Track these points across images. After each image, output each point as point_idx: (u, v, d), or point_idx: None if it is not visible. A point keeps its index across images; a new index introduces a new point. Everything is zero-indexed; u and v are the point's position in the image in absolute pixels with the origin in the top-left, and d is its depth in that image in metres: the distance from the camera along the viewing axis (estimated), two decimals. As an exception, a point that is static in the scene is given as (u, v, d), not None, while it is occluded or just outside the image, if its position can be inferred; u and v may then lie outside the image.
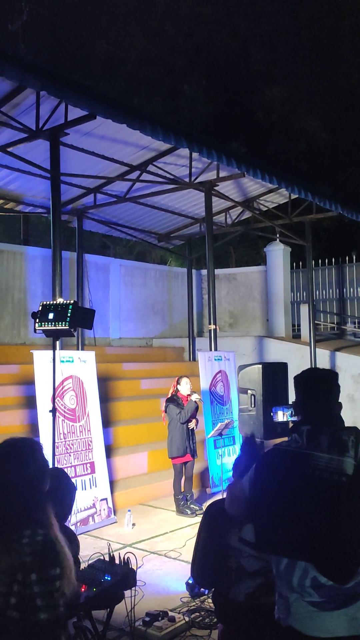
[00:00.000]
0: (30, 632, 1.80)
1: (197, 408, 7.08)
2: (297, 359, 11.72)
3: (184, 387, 7.01)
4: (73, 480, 6.19)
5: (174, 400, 6.97)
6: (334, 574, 2.00)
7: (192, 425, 6.99)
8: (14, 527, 1.86)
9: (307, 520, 2.00)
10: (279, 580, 2.13)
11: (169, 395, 7.06)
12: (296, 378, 2.40)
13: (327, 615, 2.02)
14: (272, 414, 2.78)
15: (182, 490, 6.94)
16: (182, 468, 6.94)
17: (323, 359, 11.58)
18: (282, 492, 2.07)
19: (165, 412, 7.01)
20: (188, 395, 6.99)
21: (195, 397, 6.95)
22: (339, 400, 2.35)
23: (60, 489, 2.92)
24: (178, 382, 7.08)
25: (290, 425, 2.55)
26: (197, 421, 7.12)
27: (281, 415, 2.88)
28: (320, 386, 2.27)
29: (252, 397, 5.66)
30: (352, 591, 2.03)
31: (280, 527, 2.06)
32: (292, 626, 2.06)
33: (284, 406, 2.86)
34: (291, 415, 2.83)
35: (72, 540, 2.83)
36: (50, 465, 4.66)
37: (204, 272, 13.78)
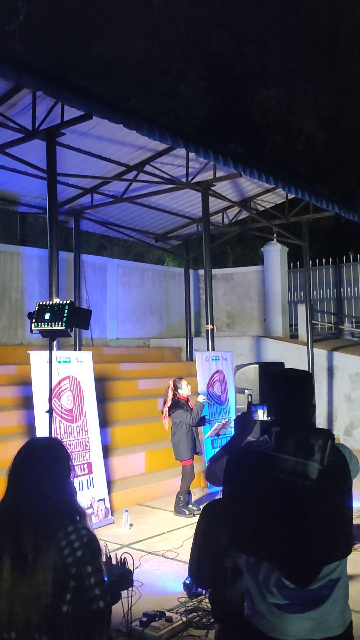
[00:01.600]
0: (92, 621, 1.88)
1: (203, 408, 7.12)
2: (294, 358, 11.73)
3: (185, 389, 6.99)
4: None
5: (179, 404, 6.90)
6: (296, 576, 2.01)
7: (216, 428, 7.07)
8: (57, 525, 1.92)
9: (271, 522, 2.01)
10: (247, 572, 2.14)
11: (170, 401, 6.98)
12: (271, 378, 2.40)
13: (291, 618, 2.02)
14: (252, 412, 2.78)
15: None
16: (193, 469, 6.92)
17: (320, 358, 11.60)
18: (248, 492, 2.08)
19: (170, 416, 6.92)
20: (189, 395, 6.99)
21: (201, 397, 7.00)
22: (313, 402, 2.34)
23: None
24: (176, 385, 7.02)
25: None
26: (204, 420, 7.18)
27: (261, 414, 2.88)
28: (293, 387, 2.26)
29: (249, 397, 5.65)
30: (317, 594, 2.03)
31: (247, 526, 2.07)
32: (257, 625, 2.07)
33: (264, 404, 2.85)
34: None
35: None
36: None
37: (202, 272, 13.80)
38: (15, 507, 1.95)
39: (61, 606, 1.84)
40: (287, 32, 19.97)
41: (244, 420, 2.62)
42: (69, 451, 2.16)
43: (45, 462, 2.01)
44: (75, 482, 6.17)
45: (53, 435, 5.67)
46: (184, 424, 6.81)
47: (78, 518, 1.99)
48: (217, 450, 7.70)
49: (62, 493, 2.01)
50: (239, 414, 2.76)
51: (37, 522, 1.91)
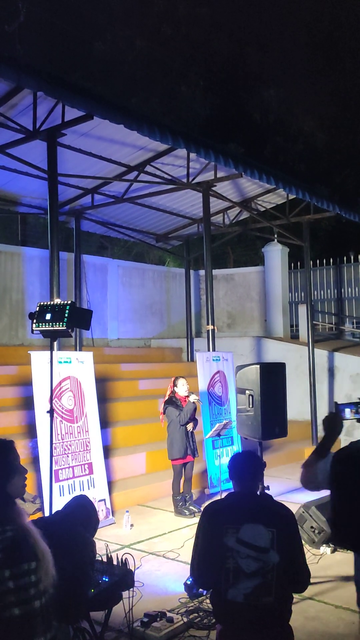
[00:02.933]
0: (5, 629, 1.78)
1: (195, 409, 7.07)
2: (295, 359, 11.73)
3: (181, 388, 7.00)
4: (71, 481, 6.20)
5: (173, 402, 6.95)
6: None
7: (190, 427, 6.98)
8: None
9: None
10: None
11: (167, 397, 7.04)
12: None
13: None
14: (340, 412, 2.78)
15: (181, 491, 6.93)
16: (182, 469, 6.93)
17: (321, 359, 11.59)
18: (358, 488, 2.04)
19: (164, 414, 6.99)
20: (186, 396, 6.98)
21: (193, 397, 6.93)
22: None
23: (87, 516, 2.93)
24: (174, 384, 7.06)
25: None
26: (195, 422, 7.11)
27: (349, 413, 2.90)
28: None
29: (250, 397, 5.65)
30: None
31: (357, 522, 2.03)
32: None
33: (351, 404, 2.87)
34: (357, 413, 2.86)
35: (89, 543, 2.82)
36: (51, 466, 4.64)
37: (202, 272, 13.79)
38: None
39: None
40: (287, 32, 19.98)
41: (334, 420, 2.62)
42: (14, 450, 2.07)
43: None
44: (76, 483, 6.20)
45: (54, 437, 5.67)
46: (175, 423, 6.82)
47: (8, 516, 1.89)
48: (217, 450, 7.71)
49: None
50: (328, 414, 2.75)
51: None
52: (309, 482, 2.51)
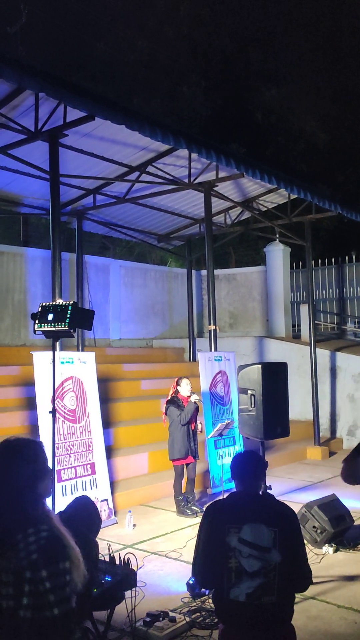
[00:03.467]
0: (44, 628, 1.79)
1: (197, 409, 7.07)
2: (297, 359, 11.73)
3: (184, 388, 6.99)
4: (74, 481, 6.21)
5: (174, 401, 6.94)
6: None
7: (199, 428, 7.00)
8: (17, 527, 1.86)
9: None
10: None
11: (169, 397, 7.04)
12: None
13: None
14: None
15: (183, 491, 6.94)
16: (183, 469, 6.93)
17: (323, 359, 11.59)
18: None
19: (166, 414, 6.99)
20: (188, 396, 6.97)
21: (194, 397, 6.92)
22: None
23: (89, 517, 2.94)
24: (178, 383, 7.05)
25: None
26: (200, 425, 7.12)
27: None
28: None
29: (252, 397, 5.65)
30: None
31: None
32: None
33: None
34: None
35: (92, 544, 2.83)
36: (53, 466, 4.64)
37: (204, 272, 13.78)
38: None
39: (19, 610, 1.79)
40: (288, 32, 19.98)
41: None
42: (44, 452, 2.08)
43: (14, 465, 1.95)
44: (79, 483, 6.20)
45: (56, 437, 5.68)
46: (176, 423, 6.82)
47: (41, 518, 1.90)
48: (219, 450, 7.72)
49: (29, 497, 1.93)
50: None
51: (2, 526, 1.87)
52: (348, 476, 2.73)
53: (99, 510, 6.34)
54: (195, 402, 6.89)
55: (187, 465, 6.94)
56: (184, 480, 6.96)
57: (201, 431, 7.26)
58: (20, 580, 1.80)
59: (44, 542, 1.83)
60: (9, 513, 1.90)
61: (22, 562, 1.80)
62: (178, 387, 7.02)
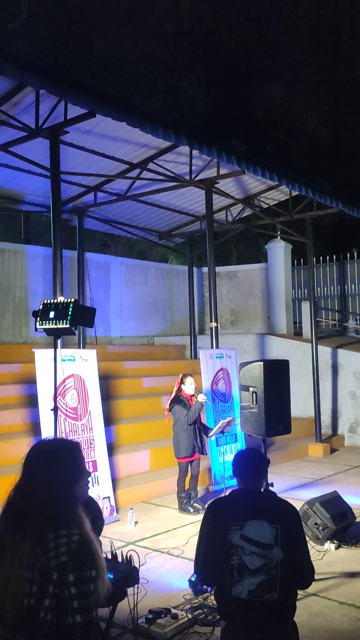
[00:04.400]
0: (63, 634, 1.76)
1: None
2: (298, 356, 11.72)
3: (189, 387, 6.97)
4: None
5: (180, 400, 6.91)
6: None
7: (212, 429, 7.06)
8: (51, 526, 1.84)
9: None
10: None
11: (173, 395, 7.00)
12: None
13: None
14: None
15: (186, 488, 6.94)
16: (188, 467, 6.92)
17: (325, 356, 11.58)
18: None
19: (170, 411, 6.96)
20: (192, 395, 6.95)
21: (201, 397, 6.92)
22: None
23: (92, 516, 2.95)
24: (182, 382, 7.01)
25: None
26: (207, 428, 7.15)
27: None
28: None
29: (254, 394, 5.64)
30: None
31: None
32: None
33: None
34: None
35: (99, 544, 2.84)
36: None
37: (205, 269, 13.78)
38: (19, 506, 1.92)
39: (39, 611, 1.75)
40: (290, 28, 19.92)
41: None
42: (81, 452, 2.07)
43: (55, 466, 1.95)
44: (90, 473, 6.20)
45: (58, 434, 5.68)
46: (182, 422, 6.81)
47: (75, 522, 1.88)
48: (221, 448, 7.72)
49: (64, 498, 1.93)
50: None
51: (35, 524, 1.86)
52: None
53: (101, 508, 6.35)
54: (201, 403, 6.90)
55: (192, 462, 6.94)
56: (187, 477, 6.96)
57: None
58: (46, 581, 1.77)
59: (75, 546, 1.81)
60: (42, 512, 1.88)
61: (51, 562, 1.78)
62: (182, 385, 6.99)
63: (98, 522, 2.96)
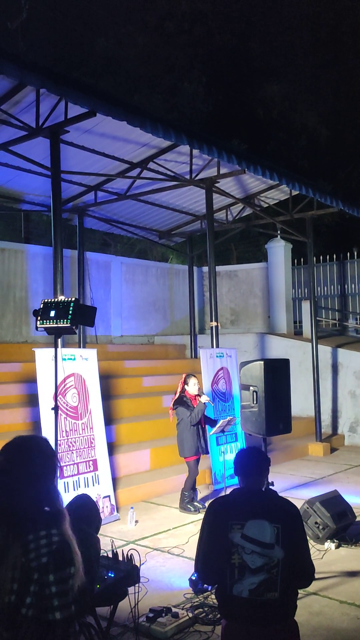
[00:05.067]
0: (44, 631, 1.83)
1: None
2: (299, 355, 11.73)
3: (192, 387, 6.97)
4: (76, 477, 6.21)
5: (183, 401, 6.91)
6: None
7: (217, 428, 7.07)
8: (30, 527, 1.88)
9: None
10: None
11: (177, 396, 6.99)
12: None
13: None
14: None
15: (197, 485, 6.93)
16: (196, 465, 6.92)
17: (325, 355, 11.58)
18: None
19: (174, 410, 6.98)
20: (196, 395, 6.96)
21: (204, 399, 6.93)
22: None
23: (89, 514, 2.96)
24: (185, 382, 7.01)
25: None
26: (211, 420, 7.15)
27: None
28: None
29: (254, 393, 5.65)
30: None
31: None
32: None
33: None
34: None
35: (93, 540, 2.84)
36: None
37: (205, 269, 13.79)
38: None
39: (20, 607, 1.82)
40: (290, 27, 19.91)
41: None
42: (53, 449, 2.12)
43: (28, 463, 1.98)
44: (81, 479, 6.22)
45: (58, 433, 5.69)
46: (186, 422, 6.82)
47: (54, 521, 1.93)
48: (221, 447, 7.72)
49: (42, 494, 1.97)
50: None
51: (11, 522, 1.89)
52: None
53: (101, 507, 6.37)
54: (204, 404, 6.91)
55: (197, 460, 6.95)
56: (197, 476, 6.97)
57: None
58: (27, 580, 1.83)
59: (56, 547, 1.87)
60: (24, 508, 1.91)
61: (32, 563, 1.83)
62: (186, 386, 6.99)
63: (95, 520, 2.97)
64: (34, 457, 2.00)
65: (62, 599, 1.84)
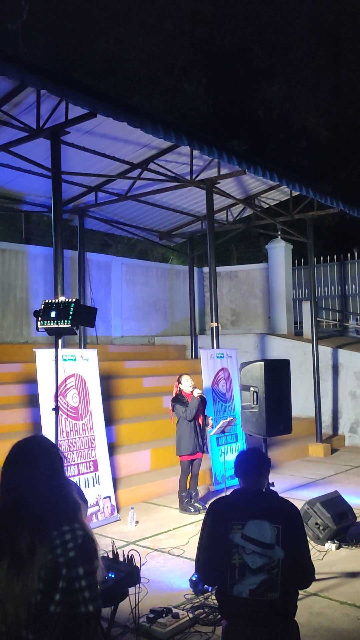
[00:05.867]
0: (76, 624, 1.85)
1: (204, 404, 7.11)
2: (299, 356, 11.73)
3: (186, 385, 7.02)
4: (77, 478, 6.22)
5: (179, 399, 6.97)
6: None
7: (208, 423, 7.04)
8: (51, 524, 1.89)
9: None
10: None
11: (174, 395, 7.06)
12: None
13: None
14: None
15: (187, 487, 6.95)
16: (189, 466, 6.94)
17: (325, 356, 11.58)
18: None
19: (173, 411, 7.02)
20: (191, 392, 7.00)
21: (197, 392, 6.97)
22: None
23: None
24: (179, 381, 7.09)
25: None
26: (205, 417, 7.14)
27: None
28: None
29: (255, 394, 5.65)
30: None
31: None
32: None
33: None
34: None
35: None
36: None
37: (206, 269, 13.79)
38: (9, 509, 1.94)
39: (49, 605, 1.82)
40: (290, 28, 19.91)
41: None
42: (57, 447, 2.14)
43: (35, 461, 1.99)
44: (81, 479, 6.22)
45: (59, 434, 5.69)
46: (183, 419, 6.85)
47: (74, 515, 1.95)
48: (221, 447, 7.72)
49: (55, 490, 1.98)
50: None
51: (33, 523, 1.89)
52: None
53: (102, 507, 6.37)
54: (197, 397, 6.93)
55: (193, 461, 6.96)
56: (189, 476, 6.98)
57: (211, 426, 7.32)
58: (55, 577, 1.84)
59: (81, 540, 1.89)
60: (41, 508, 1.92)
61: (59, 559, 1.84)
62: (180, 385, 7.05)
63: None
64: (40, 458, 2.01)
65: (92, 591, 1.87)
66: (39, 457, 2.01)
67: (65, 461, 2.11)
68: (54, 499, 1.95)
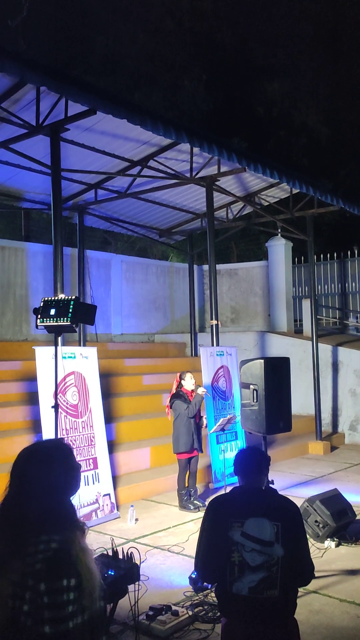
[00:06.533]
0: None
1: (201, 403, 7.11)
2: (299, 354, 11.73)
3: (188, 383, 7.00)
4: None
5: (180, 395, 6.95)
6: None
7: (203, 423, 7.03)
8: (34, 531, 1.79)
9: None
10: None
11: (173, 391, 7.04)
12: None
13: None
14: None
15: (186, 485, 6.96)
16: (187, 463, 6.94)
17: (325, 353, 11.58)
18: None
19: (171, 407, 6.99)
20: (192, 390, 6.98)
21: (201, 390, 6.96)
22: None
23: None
24: (181, 378, 7.06)
25: None
26: (201, 417, 7.14)
27: None
28: None
29: (255, 392, 5.65)
30: None
31: None
32: None
33: None
34: None
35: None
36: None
37: (206, 267, 13.78)
38: (7, 509, 1.87)
39: (19, 616, 1.72)
40: (291, 26, 19.87)
41: None
42: (77, 462, 1.99)
43: (46, 472, 1.88)
44: (81, 478, 6.22)
45: (58, 432, 5.69)
46: (183, 416, 6.83)
47: (62, 526, 1.81)
48: (221, 445, 7.73)
49: (55, 504, 1.86)
50: None
51: (18, 526, 1.81)
52: None
53: (102, 505, 6.38)
54: (203, 394, 6.93)
55: (191, 459, 6.95)
56: (187, 474, 6.98)
57: (205, 426, 7.29)
58: (23, 586, 1.73)
59: (51, 554, 1.74)
60: (35, 515, 1.83)
61: (27, 568, 1.74)
62: (182, 382, 7.03)
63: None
64: (55, 467, 1.89)
65: (54, 611, 1.69)
66: (53, 469, 1.89)
67: (76, 477, 1.97)
68: (50, 512, 1.83)
